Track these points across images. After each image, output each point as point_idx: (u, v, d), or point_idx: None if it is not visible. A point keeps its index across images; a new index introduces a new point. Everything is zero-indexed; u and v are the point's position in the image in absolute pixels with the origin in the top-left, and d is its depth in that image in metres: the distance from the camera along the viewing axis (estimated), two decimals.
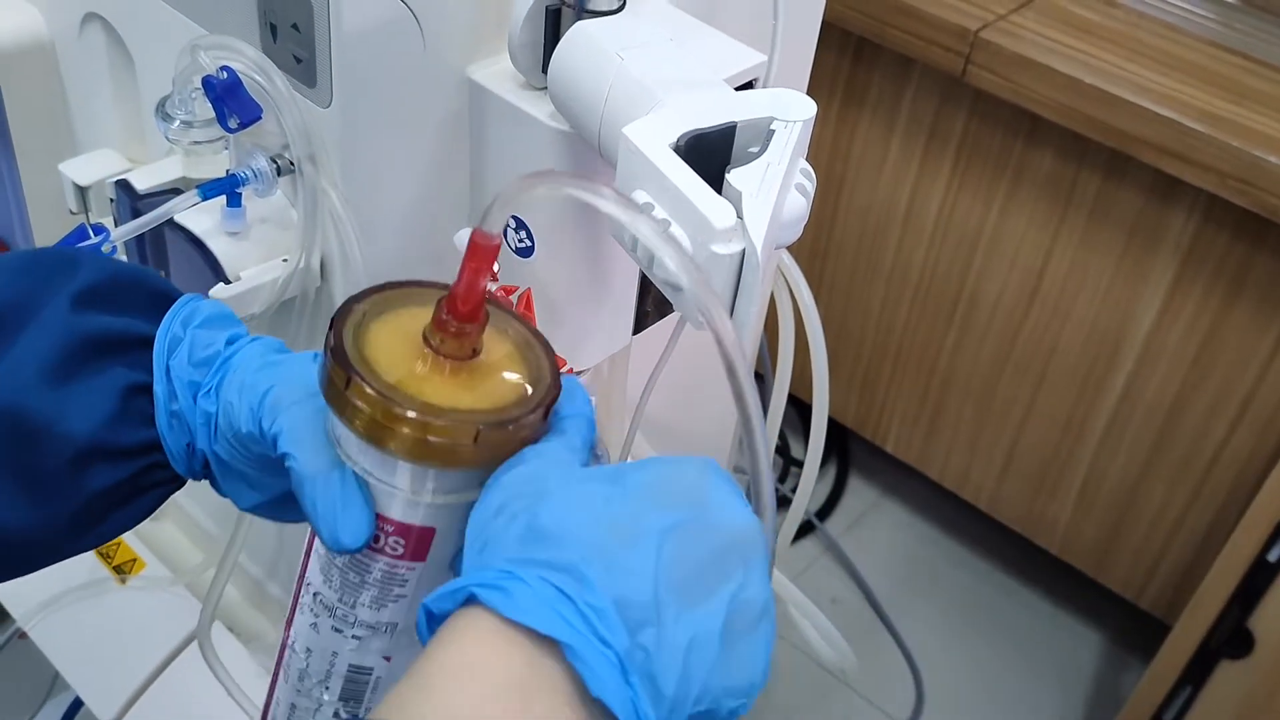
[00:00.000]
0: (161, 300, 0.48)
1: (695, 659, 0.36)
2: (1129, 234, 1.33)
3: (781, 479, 1.82)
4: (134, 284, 0.48)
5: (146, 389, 0.46)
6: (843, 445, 1.89)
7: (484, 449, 0.40)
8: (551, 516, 0.37)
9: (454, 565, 0.45)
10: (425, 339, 0.42)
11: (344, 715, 0.46)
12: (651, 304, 0.69)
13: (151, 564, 0.88)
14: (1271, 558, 1.25)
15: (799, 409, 1.59)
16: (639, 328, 0.69)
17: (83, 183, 0.70)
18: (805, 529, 1.77)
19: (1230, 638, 1.31)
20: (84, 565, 0.88)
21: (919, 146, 1.45)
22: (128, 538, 0.89)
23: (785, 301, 1.03)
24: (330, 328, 0.42)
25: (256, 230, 0.62)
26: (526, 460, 0.40)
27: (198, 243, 0.61)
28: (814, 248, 1.62)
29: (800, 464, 1.85)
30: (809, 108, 0.51)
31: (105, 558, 0.88)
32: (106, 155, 0.73)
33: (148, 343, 0.46)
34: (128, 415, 0.45)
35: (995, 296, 1.48)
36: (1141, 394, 1.40)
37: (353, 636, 0.45)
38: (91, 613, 0.86)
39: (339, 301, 0.63)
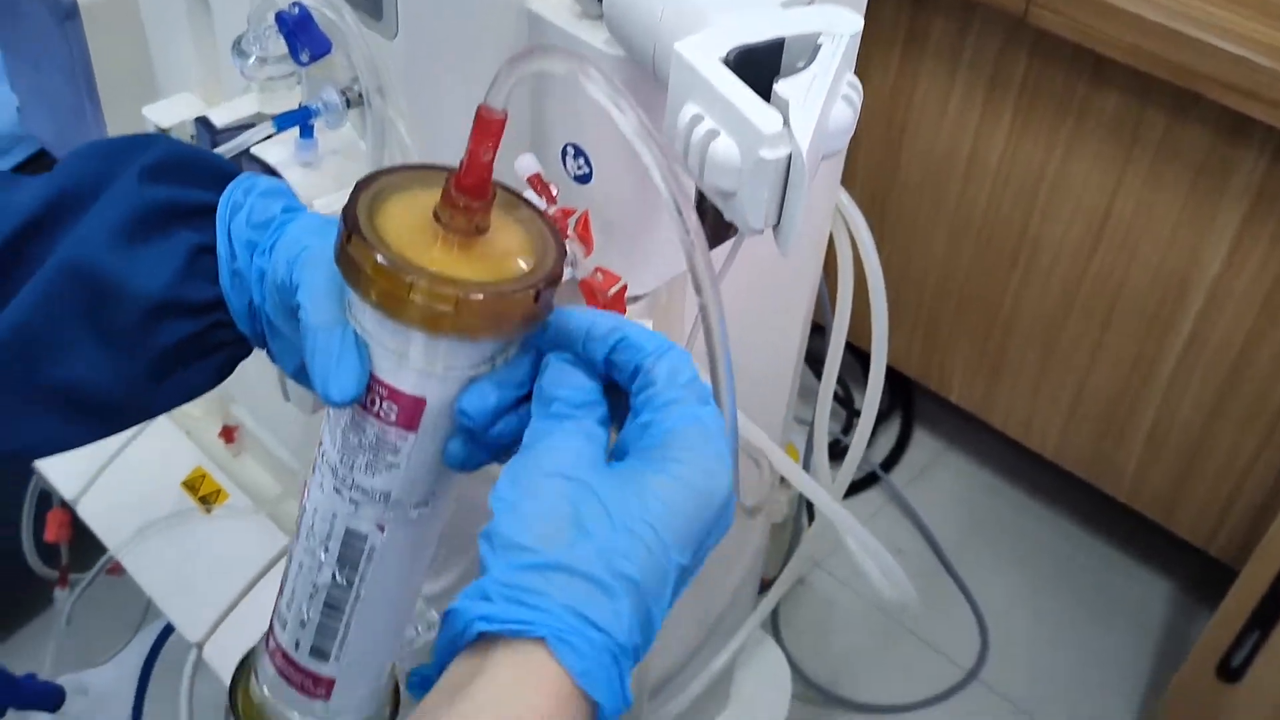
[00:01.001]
0: (225, 177, 0.51)
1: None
2: (1196, 173, 1.31)
3: (845, 430, 1.83)
4: (199, 161, 0.51)
5: (211, 250, 0.49)
6: (907, 397, 1.89)
7: (465, 316, 0.42)
8: (611, 567, 0.40)
9: (447, 456, 0.47)
10: (435, 216, 0.44)
11: (339, 580, 0.49)
12: (709, 230, 0.70)
13: (235, 495, 0.92)
14: None
15: (862, 361, 1.60)
16: None
17: (164, 125, 0.74)
18: (870, 480, 1.78)
19: None
20: (171, 498, 0.93)
21: (981, 90, 1.44)
22: (213, 471, 0.94)
23: (845, 245, 1.04)
24: (351, 194, 0.44)
25: (328, 161, 0.65)
26: (556, 448, 0.42)
27: (273, 173, 0.64)
28: (875, 195, 1.62)
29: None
30: (856, 22, 0.53)
31: (191, 490, 0.93)
32: (186, 99, 0.77)
33: (212, 211, 0.49)
34: (194, 273, 0.49)
35: (1059, 240, 1.47)
36: (1209, 337, 1.39)
37: (350, 500, 0.47)
38: (179, 541, 0.91)
39: None
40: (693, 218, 0.44)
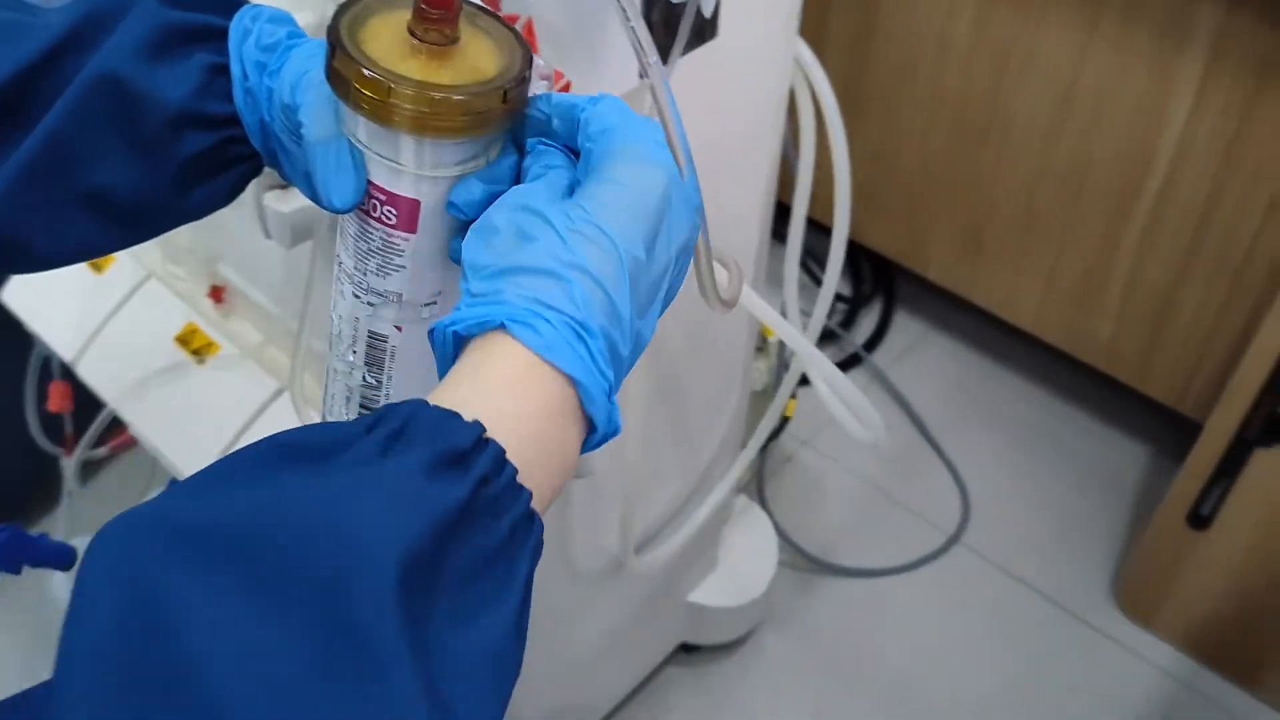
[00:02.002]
0: (233, 4, 0.55)
1: (639, 351, 0.46)
2: (1160, 34, 1.33)
3: (835, 319, 1.86)
4: None
5: (225, 71, 0.54)
6: (889, 281, 1.93)
7: (444, 116, 0.47)
8: (559, 259, 0.43)
9: (451, 252, 0.51)
10: (410, 31, 0.48)
11: (369, 379, 0.54)
12: (657, 40, 0.73)
13: (226, 346, 0.96)
14: None
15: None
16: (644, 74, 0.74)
17: None
18: (852, 360, 1.83)
19: (1263, 427, 1.34)
20: (165, 353, 0.97)
21: None
22: (204, 327, 0.98)
23: (806, 102, 1.06)
24: (332, 18, 0.49)
25: None
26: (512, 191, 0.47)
27: None
28: (850, 77, 1.64)
29: (844, 299, 1.90)
30: None
31: (184, 344, 0.97)
32: None
33: (224, 34, 0.54)
34: (211, 89, 0.53)
35: (1031, 113, 1.50)
36: (1175, 196, 1.42)
37: (368, 303, 0.52)
38: (175, 392, 0.95)
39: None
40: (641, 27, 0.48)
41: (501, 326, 0.42)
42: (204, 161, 0.54)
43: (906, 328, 1.89)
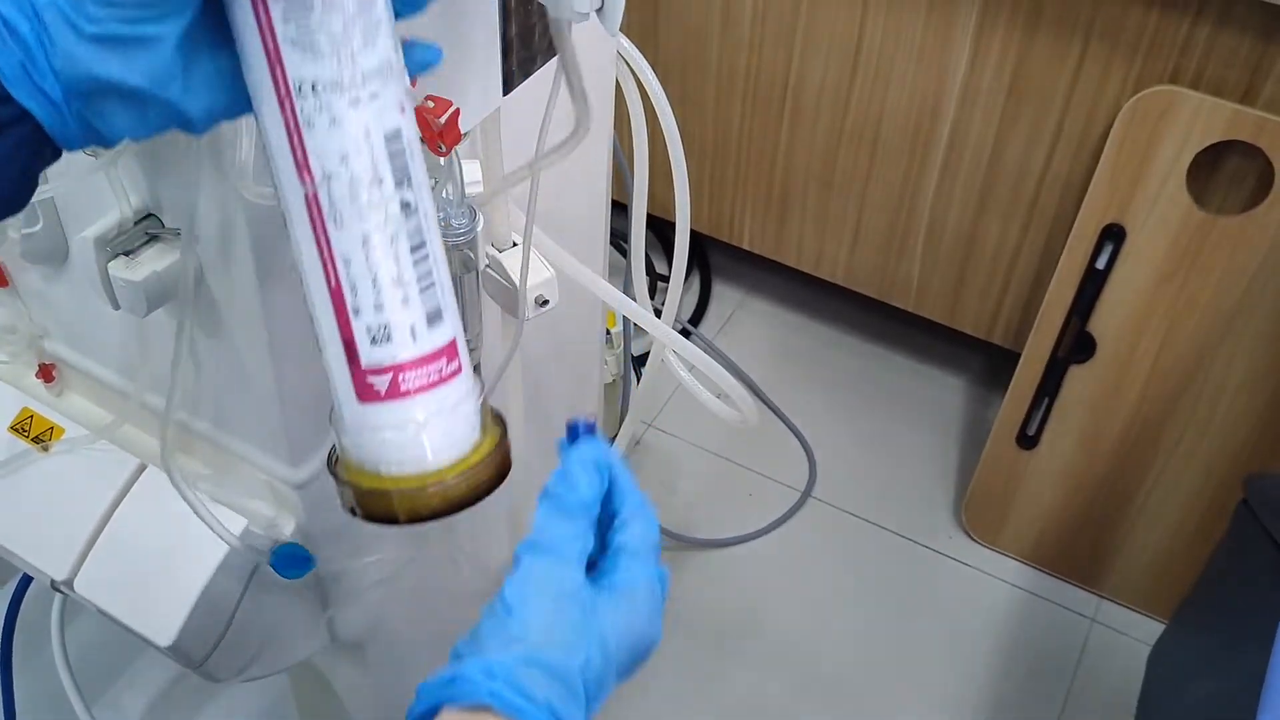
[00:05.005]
0: None
1: None
2: None
3: (652, 295, 1.88)
4: None
5: None
6: (702, 255, 1.97)
7: None
8: (580, 677, 0.51)
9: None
10: None
11: (406, 199, 0.46)
12: (516, 63, 0.72)
13: (70, 428, 0.89)
14: (1100, 265, 1.39)
15: (654, 228, 1.64)
16: (507, 89, 0.73)
17: None
18: (682, 336, 1.86)
19: (1075, 345, 1.44)
20: (1, 446, 0.89)
21: None
22: (41, 410, 0.90)
23: (633, 90, 1.07)
24: None
25: None
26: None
27: None
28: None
29: (664, 278, 1.92)
30: None
31: (21, 433, 0.89)
32: None
33: None
34: None
35: (820, 78, 1.55)
36: (966, 141, 1.50)
37: (371, 95, 0.44)
38: (22, 485, 0.87)
39: None
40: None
41: (490, 707, 0.48)
42: None
43: (725, 297, 1.94)
